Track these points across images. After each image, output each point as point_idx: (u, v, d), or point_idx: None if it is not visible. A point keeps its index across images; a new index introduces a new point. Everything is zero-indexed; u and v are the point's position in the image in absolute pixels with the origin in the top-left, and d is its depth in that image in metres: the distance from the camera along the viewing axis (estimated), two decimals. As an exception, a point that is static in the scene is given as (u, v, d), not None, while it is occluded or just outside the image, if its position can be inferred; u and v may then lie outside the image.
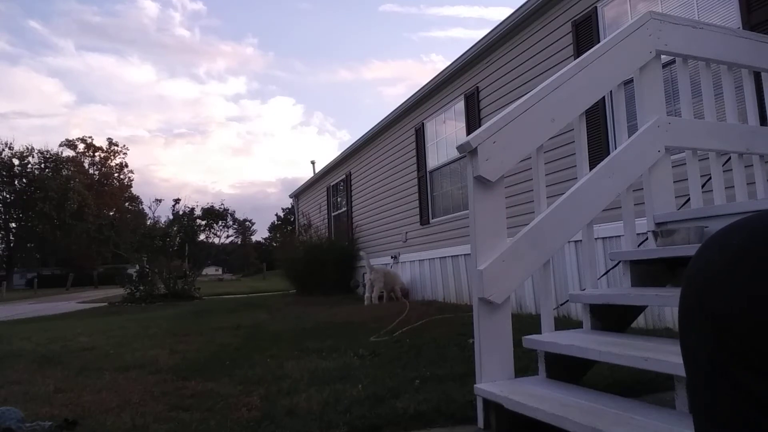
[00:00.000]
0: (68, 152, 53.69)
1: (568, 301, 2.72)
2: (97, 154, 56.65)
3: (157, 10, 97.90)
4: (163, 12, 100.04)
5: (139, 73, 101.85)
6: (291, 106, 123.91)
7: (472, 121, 7.28)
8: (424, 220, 8.70)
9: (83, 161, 55.40)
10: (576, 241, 5.01)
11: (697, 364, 0.47)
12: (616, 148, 2.60)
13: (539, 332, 2.29)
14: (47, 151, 49.36)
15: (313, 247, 11.63)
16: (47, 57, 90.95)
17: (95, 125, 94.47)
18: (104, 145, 57.87)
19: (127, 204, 57.99)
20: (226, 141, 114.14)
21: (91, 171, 55.75)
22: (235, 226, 57.76)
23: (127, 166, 58.77)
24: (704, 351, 0.45)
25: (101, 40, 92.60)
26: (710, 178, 2.78)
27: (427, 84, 8.45)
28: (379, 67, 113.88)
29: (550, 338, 2.21)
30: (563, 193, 2.39)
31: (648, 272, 2.53)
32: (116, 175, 58.02)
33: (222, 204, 53.61)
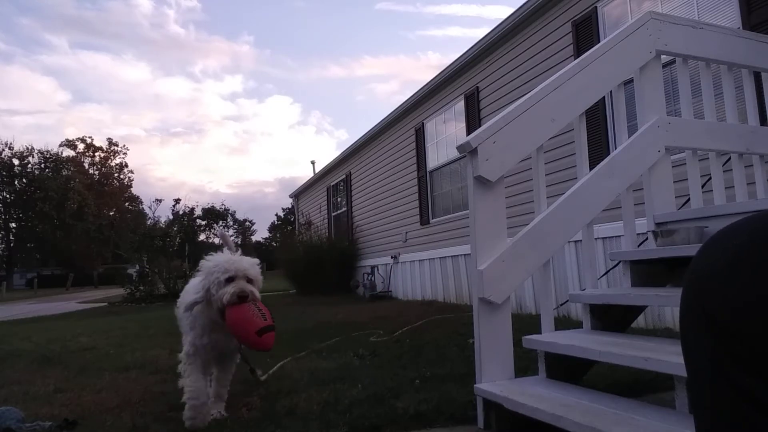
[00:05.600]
0: (68, 152, 53.78)
1: (568, 301, 2.72)
2: (97, 154, 56.69)
3: (151, 7, 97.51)
4: (157, 9, 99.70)
5: (135, 71, 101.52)
6: (288, 105, 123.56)
7: (472, 121, 7.28)
8: (424, 220, 8.69)
9: (83, 161, 55.44)
10: (576, 241, 5.01)
11: (697, 364, 0.47)
12: (616, 148, 2.60)
13: (539, 332, 2.29)
14: (47, 151, 49.52)
15: (313, 247, 11.63)
16: (41, 55, 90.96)
17: (91, 124, 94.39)
18: (104, 145, 57.97)
19: (127, 204, 58.02)
20: (223, 140, 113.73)
21: (91, 171, 55.78)
22: (235, 226, 57.85)
23: (126, 166, 58.92)
24: (704, 351, 0.45)
25: (95, 38, 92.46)
26: (710, 178, 2.78)
27: (427, 84, 8.46)
28: (371, 63, 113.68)
29: (550, 338, 2.20)
30: (563, 193, 2.39)
31: (648, 272, 2.53)
32: (116, 175, 58.06)
33: (222, 204, 53.72)
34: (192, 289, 2.48)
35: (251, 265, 2.34)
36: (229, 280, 2.22)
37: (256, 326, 2.15)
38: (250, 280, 2.28)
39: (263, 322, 2.17)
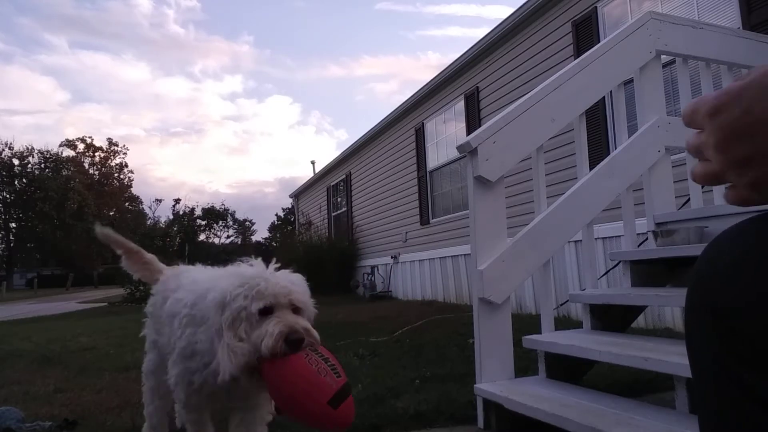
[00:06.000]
0: (68, 152, 53.78)
1: (568, 301, 2.72)
2: (97, 154, 56.68)
3: (150, 7, 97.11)
4: (156, 9, 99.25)
5: (134, 71, 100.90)
6: (288, 105, 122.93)
7: (472, 121, 7.28)
8: (424, 220, 8.69)
9: (83, 161, 55.43)
10: (576, 241, 5.01)
11: (702, 363, 0.47)
12: (616, 148, 2.60)
13: (539, 332, 2.29)
14: (47, 151, 49.52)
15: (313, 247, 11.64)
16: (41, 55, 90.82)
17: (90, 124, 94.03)
18: (104, 145, 57.94)
19: (127, 204, 58.00)
20: (223, 140, 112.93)
21: (91, 171, 55.77)
22: (235, 226, 57.87)
23: (126, 166, 58.84)
24: (709, 349, 0.45)
25: (95, 38, 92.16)
26: (710, 178, 2.77)
27: (427, 84, 8.46)
28: (371, 63, 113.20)
29: (550, 338, 2.20)
30: (563, 193, 2.39)
31: (648, 272, 2.53)
32: (116, 175, 58.04)
33: (222, 204, 53.77)
34: (187, 294, 1.50)
35: (295, 283, 1.39)
36: (265, 311, 1.29)
37: (328, 392, 1.24)
38: (296, 309, 1.35)
39: (336, 380, 1.28)
